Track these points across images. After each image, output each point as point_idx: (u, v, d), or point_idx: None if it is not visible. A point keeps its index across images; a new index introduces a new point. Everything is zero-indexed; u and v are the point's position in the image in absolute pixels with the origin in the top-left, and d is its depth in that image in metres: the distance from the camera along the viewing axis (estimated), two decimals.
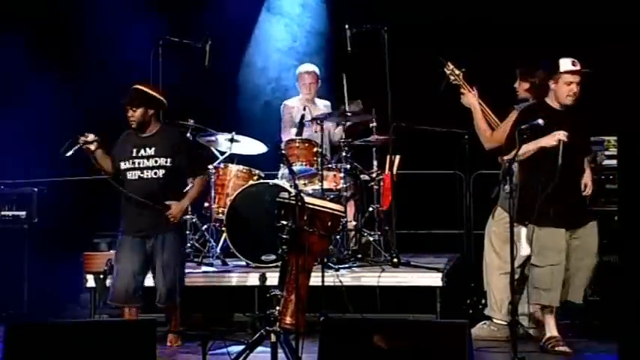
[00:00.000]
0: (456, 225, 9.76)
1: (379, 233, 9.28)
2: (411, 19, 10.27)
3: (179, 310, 7.91)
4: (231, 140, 9.34)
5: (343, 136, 9.48)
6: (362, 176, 9.36)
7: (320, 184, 8.93)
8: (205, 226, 9.26)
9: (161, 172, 7.75)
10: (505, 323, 7.88)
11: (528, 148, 7.32)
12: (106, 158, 7.84)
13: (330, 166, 9.19)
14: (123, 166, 7.81)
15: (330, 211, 7.11)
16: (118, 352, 6.05)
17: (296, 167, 8.84)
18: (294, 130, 9.37)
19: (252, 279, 8.49)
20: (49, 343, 6.03)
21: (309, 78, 9.68)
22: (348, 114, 9.22)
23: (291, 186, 8.17)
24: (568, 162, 7.27)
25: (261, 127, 10.06)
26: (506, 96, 8.11)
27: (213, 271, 8.94)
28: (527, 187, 7.43)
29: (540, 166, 7.35)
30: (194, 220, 9.26)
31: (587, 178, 7.59)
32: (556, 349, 7.43)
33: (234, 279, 8.77)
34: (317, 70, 9.76)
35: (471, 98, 8.06)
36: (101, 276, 8.64)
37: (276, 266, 7.97)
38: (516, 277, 7.34)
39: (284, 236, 6.88)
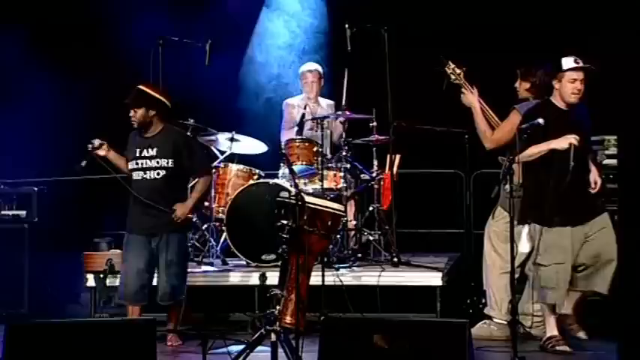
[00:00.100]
0: (456, 224, 9.78)
1: (379, 233, 9.28)
2: (411, 19, 10.27)
3: (182, 309, 7.92)
4: (231, 140, 9.35)
5: (343, 135, 9.48)
6: (362, 175, 9.36)
7: (320, 183, 8.93)
8: (205, 226, 9.26)
9: (162, 173, 7.78)
10: (505, 323, 7.87)
11: (539, 149, 7.33)
12: (121, 159, 7.91)
13: (330, 165, 9.19)
14: (130, 166, 7.88)
15: (331, 210, 7.10)
16: (118, 351, 6.06)
17: (297, 167, 8.84)
18: (294, 130, 9.36)
19: (253, 278, 8.50)
20: (49, 343, 6.04)
21: (312, 76, 9.67)
22: (348, 113, 9.22)
23: (291, 185, 8.16)
24: (577, 162, 7.29)
25: (262, 126, 10.06)
26: (507, 96, 8.10)
27: (214, 271, 8.94)
28: (534, 187, 7.44)
29: (550, 167, 7.35)
30: (194, 219, 9.26)
31: (595, 175, 7.59)
32: (556, 348, 7.43)
33: (234, 278, 8.77)
34: (320, 68, 9.74)
35: (471, 98, 8.06)
36: (101, 275, 8.65)
37: (276, 266, 7.97)
38: (516, 276, 7.34)
39: (284, 236, 6.87)
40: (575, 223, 7.42)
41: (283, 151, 8.87)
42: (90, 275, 8.72)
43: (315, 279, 7.17)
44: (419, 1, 10.62)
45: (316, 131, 9.26)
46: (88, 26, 10.63)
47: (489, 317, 8.05)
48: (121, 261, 8.02)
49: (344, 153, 9.22)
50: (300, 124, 9.30)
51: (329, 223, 7.08)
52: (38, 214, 9.21)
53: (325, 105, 9.70)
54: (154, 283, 7.91)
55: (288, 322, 6.85)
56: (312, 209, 6.97)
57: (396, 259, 8.87)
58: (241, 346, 6.86)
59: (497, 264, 8.00)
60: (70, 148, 10.30)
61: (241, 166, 9.35)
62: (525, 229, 7.50)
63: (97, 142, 7.82)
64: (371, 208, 9.30)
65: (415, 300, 8.54)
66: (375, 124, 9.19)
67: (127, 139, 7.98)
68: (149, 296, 7.85)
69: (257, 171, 9.34)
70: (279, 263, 7.35)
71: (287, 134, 9.51)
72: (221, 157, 9.37)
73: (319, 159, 9.04)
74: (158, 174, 7.79)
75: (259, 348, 6.81)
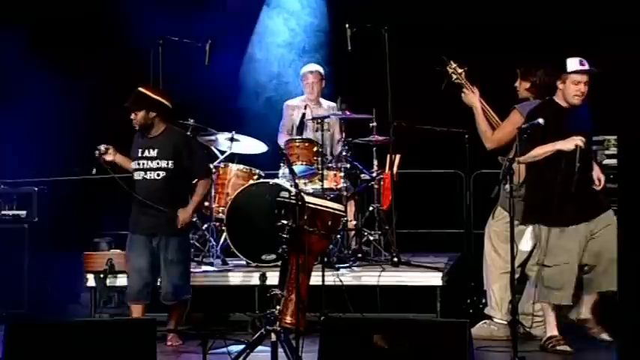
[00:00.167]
0: (456, 224, 9.78)
1: (379, 233, 9.28)
2: (411, 19, 10.27)
3: (186, 308, 7.93)
4: (231, 140, 9.34)
5: (343, 136, 9.48)
6: (362, 175, 9.36)
7: (320, 183, 8.93)
8: (205, 226, 9.25)
9: (162, 174, 7.79)
10: (505, 322, 7.87)
11: (545, 150, 7.33)
12: (128, 161, 7.96)
13: (330, 165, 9.19)
14: (132, 166, 7.91)
15: (331, 210, 7.10)
16: (118, 351, 6.06)
17: (297, 167, 8.84)
18: (292, 134, 9.40)
19: (253, 278, 8.50)
20: (49, 343, 6.04)
21: (312, 77, 9.67)
22: (347, 113, 9.23)
23: (291, 185, 8.16)
24: (581, 162, 7.30)
25: (262, 126, 10.06)
26: (507, 96, 8.10)
27: (214, 271, 8.94)
28: (539, 187, 7.44)
29: (556, 168, 7.34)
30: (194, 219, 9.25)
31: (597, 172, 7.60)
32: (557, 348, 7.43)
33: (234, 278, 8.76)
34: (321, 69, 9.74)
35: (472, 97, 8.05)
36: (101, 275, 8.65)
37: (276, 266, 7.97)
38: (516, 276, 7.34)
39: (284, 236, 6.87)
40: (580, 221, 7.42)
41: (283, 151, 8.88)
42: (90, 275, 8.73)
43: (315, 279, 7.17)
44: (419, 1, 10.61)
45: (317, 131, 9.25)
46: (88, 26, 10.63)
47: (489, 317, 8.05)
48: (125, 261, 8.07)
49: (344, 153, 9.23)
50: (301, 125, 9.31)
51: (329, 223, 7.08)
52: (38, 214, 9.21)
53: (326, 106, 9.69)
54: (158, 283, 7.93)
55: (288, 322, 6.85)
56: (312, 209, 6.96)
57: (396, 259, 8.87)
58: (241, 346, 6.86)
59: (498, 264, 7.99)
60: (70, 148, 10.35)
61: (241, 166, 9.35)
62: (529, 228, 7.50)
63: (102, 147, 7.86)
64: (371, 208, 9.30)
65: (415, 300, 8.54)
66: (375, 124, 9.19)
67: (131, 138, 7.98)
68: (152, 295, 7.86)
69: (257, 171, 9.34)
70: (279, 263, 7.36)
71: (284, 137, 9.52)
72: (221, 157, 9.37)
73: (319, 159, 9.04)
74: (158, 175, 7.80)
75: (259, 348, 6.81)
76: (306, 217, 6.89)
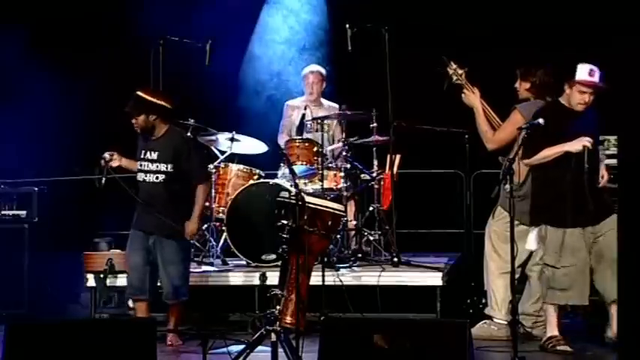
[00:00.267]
0: (457, 224, 9.77)
1: (379, 233, 9.28)
2: (411, 19, 10.27)
3: (183, 309, 7.93)
4: (232, 140, 9.34)
5: (343, 136, 9.48)
6: (362, 175, 9.36)
7: (320, 183, 8.93)
8: (205, 226, 9.25)
9: (161, 177, 7.80)
10: (505, 323, 7.87)
11: (553, 152, 7.33)
12: (134, 163, 7.96)
13: (330, 165, 9.19)
14: (136, 167, 7.91)
15: (331, 210, 7.10)
16: (118, 351, 6.06)
17: (297, 167, 8.84)
18: (293, 134, 9.40)
19: (253, 278, 8.50)
20: (49, 343, 6.03)
21: (313, 77, 9.67)
22: (347, 112, 9.23)
23: (291, 185, 8.16)
24: (589, 163, 7.30)
25: (262, 125, 10.05)
26: (507, 96, 8.10)
27: (214, 271, 8.94)
28: (546, 189, 7.44)
29: (564, 169, 7.33)
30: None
31: (602, 170, 7.59)
32: (557, 348, 7.43)
33: (234, 278, 8.76)
34: (322, 70, 9.74)
35: (473, 98, 8.05)
36: (101, 275, 8.65)
37: (276, 266, 7.97)
38: (517, 276, 7.34)
39: (284, 236, 6.87)
40: (587, 224, 7.41)
41: (283, 151, 8.87)
42: (90, 275, 8.73)
43: (315, 279, 7.17)
44: (419, 1, 10.61)
45: (317, 131, 9.25)
46: (88, 26, 10.62)
47: (489, 317, 8.05)
48: (124, 260, 8.12)
49: (344, 153, 9.23)
50: (300, 126, 9.31)
51: (329, 223, 7.08)
52: (38, 214, 9.21)
53: (327, 106, 9.70)
54: (158, 283, 7.93)
55: (288, 322, 6.85)
56: (312, 209, 6.96)
57: (396, 259, 8.87)
58: (241, 346, 6.86)
59: (498, 264, 7.99)
60: (71, 148, 10.35)
61: (241, 166, 9.35)
62: (535, 229, 7.49)
63: (107, 155, 7.85)
64: (371, 208, 9.30)
65: (415, 300, 8.54)
66: (375, 124, 9.18)
67: (132, 138, 7.99)
68: (152, 294, 7.86)
69: (257, 171, 9.34)
70: (279, 263, 7.36)
71: (284, 137, 9.52)
72: (221, 157, 9.36)
73: (319, 159, 9.04)
74: (157, 178, 7.80)
75: (259, 348, 6.81)
76: (306, 217, 6.89)
